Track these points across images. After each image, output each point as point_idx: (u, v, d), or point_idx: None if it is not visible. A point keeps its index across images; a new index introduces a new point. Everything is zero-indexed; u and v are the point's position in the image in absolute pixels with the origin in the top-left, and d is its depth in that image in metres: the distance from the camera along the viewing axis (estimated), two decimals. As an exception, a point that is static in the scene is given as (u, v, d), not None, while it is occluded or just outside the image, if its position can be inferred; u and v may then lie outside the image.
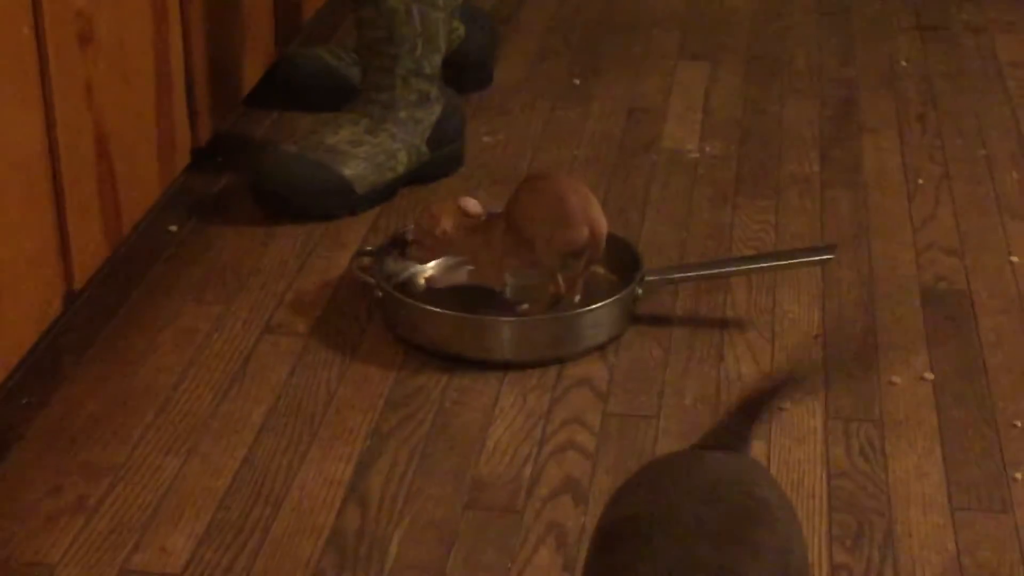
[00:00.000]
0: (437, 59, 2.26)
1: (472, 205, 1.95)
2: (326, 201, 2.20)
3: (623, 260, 1.99)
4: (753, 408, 1.33)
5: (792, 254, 2.05)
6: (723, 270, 2.04)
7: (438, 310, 1.92)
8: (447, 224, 1.94)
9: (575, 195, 1.88)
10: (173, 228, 2.18)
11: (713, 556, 1.12)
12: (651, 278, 1.98)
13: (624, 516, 1.18)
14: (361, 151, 2.22)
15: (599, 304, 1.91)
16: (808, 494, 1.66)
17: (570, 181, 1.92)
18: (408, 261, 2.01)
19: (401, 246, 2.02)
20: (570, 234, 1.87)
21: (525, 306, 1.95)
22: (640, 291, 1.96)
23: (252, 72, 2.35)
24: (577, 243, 1.88)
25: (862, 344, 1.94)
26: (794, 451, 1.73)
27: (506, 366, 1.87)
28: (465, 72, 2.57)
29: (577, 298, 1.93)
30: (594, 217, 1.88)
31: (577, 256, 1.90)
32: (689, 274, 2.02)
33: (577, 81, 2.70)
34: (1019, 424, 1.79)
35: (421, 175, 2.30)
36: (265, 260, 2.11)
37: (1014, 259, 2.14)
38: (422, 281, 2.02)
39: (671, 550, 1.12)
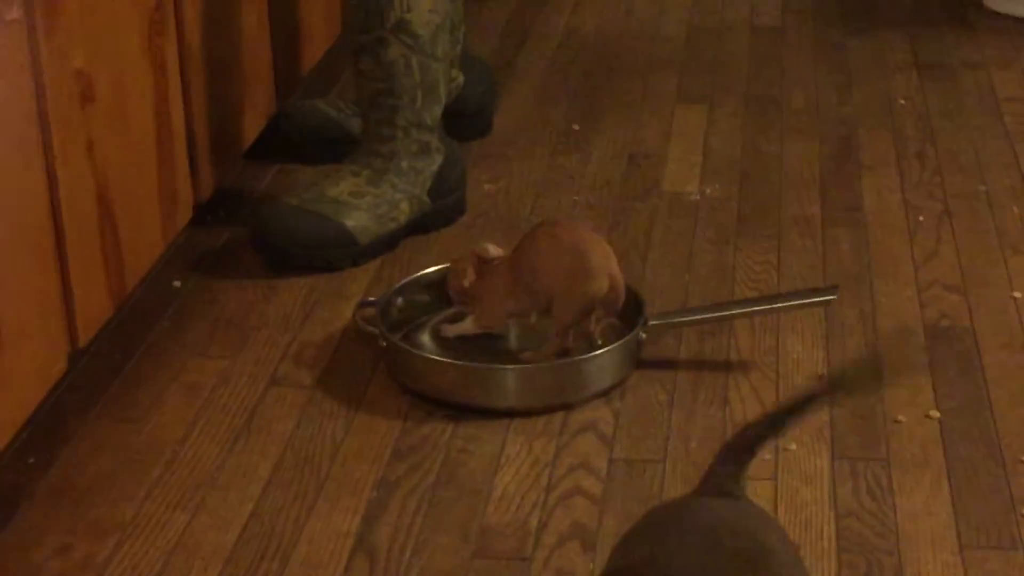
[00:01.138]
0: (437, 110, 2.27)
1: (487, 251, 1.96)
2: (329, 253, 2.20)
3: (626, 305, 1.99)
4: (745, 450, 1.33)
5: (794, 296, 2.05)
6: (726, 313, 2.04)
7: (443, 359, 1.92)
8: (471, 275, 1.96)
9: (595, 248, 1.89)
10: (177, 283, 2.18)
11: None
12: (655, 322, 1.98)
13: (628, 566, 1.18)
14: (363, 202, 2.22)
15: (603, 350, 1.91)
16: (816, 535, 1.66)
17: (589, 233, 1.92)
18: (409, 311, 2.04)
19: (403, 296, 2.04)
20: (591, 288, 1.88)
21: (529, 353, 1.95)
22: (644, 335, 1.96)
23: (252, 126, 2.36)
24: (597, 297, 1.89)
25: (867, 383, 1.94)
26: (801, 492, 1.73)
27: (511, 414, 1.87)
28: (465, 120, 2.58)
29: (600, 342, 1.94)
30: (613, 271, 1.89)
31: (593, 310, 1.91)
32: (692, 317, 2.03)
33: (576, 127, 2.71)
34: (1026, 460, 1.79)
35: (423, 225, 2.30)
36: (269, 313, 2.11)
37: (1016, 295, 2.14)
38: (426, 330, 2.03)
39: None
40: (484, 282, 1.96)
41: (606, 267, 1.89)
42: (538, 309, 1.94)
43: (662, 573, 1.14)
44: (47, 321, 1.70)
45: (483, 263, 1.96)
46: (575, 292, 1.88)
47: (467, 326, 2.00)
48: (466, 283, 1.96)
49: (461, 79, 2.57)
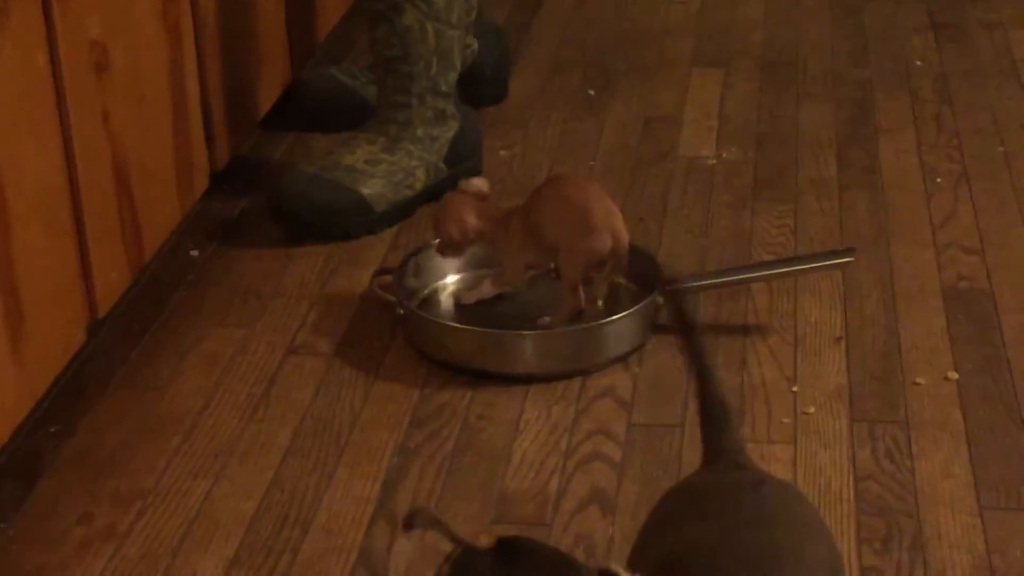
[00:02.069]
0: (453, 76, 2.26)
1: (477, 185, 1.96)
2: (345, 221, 2.21)
3: (643, 270, 1.99)
4: (724, 410, 1.33)
5: (812, 259, 2.05)
6: (743, 276, 2.04)
7: (460, 326, 1.93)
8: (471, 218, 1.95)
9: (599, 205, 1.89)
10: (194, 253, 2.19)
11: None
12: (672, 287, 1.98)
13: (690, 550, 1.17)
14: (379, 170, 2.22)
15: (621, 315, 1.91)
16: (836, 498, 1.66)
17: (595, 189, 1.92)
18: (426, 278, 2.03)
19: (420, 263, 2.04)
20: (594, 244, 1.88)
21: (547, 319, 1.95)
22: (661, 300, 1.96)
23: (268, 95, 2.36)
24: (600, 253, 1.89)
25: (885, 345, 1.94)
26: (820, 455, 1.73)
27: (530, 379, 1.88)
28: (480, 87, 2.57)
29: (600, 303, 1.94)
30: (617, 228, 1.89)
31: (599, 267, 1.91)
32: (710, 281, 2.02)
33: (592, 92, 2.71)
34: (1045, 421, 1.79)
35: (439, 192, 2.30)
36: (286, 281, 2.11)
37: (1035, 255, 2.14)
38: (443, 297, 2.03)
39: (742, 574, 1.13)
40: (500, 230, 1.95)
41: (609, 224, 1.89)
42: (552, 261, 1.95)
43: (725, 552, 1.15)
44: (66, 292, 1.70)
45: (481, 200, 1.96)
46: (578, 248, 1.88)
47: (486, 290, 2.00)
48: (469, 229, 1.95)
49: (476, 45, 2.56)
